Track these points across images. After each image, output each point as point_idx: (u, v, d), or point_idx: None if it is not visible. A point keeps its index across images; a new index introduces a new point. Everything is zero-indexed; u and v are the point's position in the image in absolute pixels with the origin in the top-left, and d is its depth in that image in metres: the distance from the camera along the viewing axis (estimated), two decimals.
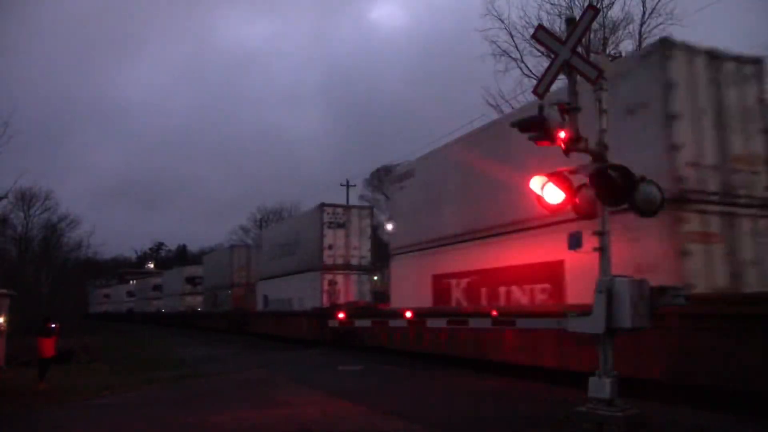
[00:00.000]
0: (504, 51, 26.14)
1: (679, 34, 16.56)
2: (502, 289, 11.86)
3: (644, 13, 23.87)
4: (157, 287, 57.56)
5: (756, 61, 9.30)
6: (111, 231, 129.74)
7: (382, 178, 65.16)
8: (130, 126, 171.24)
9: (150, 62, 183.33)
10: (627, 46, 24.41)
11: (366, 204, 47.79)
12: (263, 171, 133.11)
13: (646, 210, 6.41)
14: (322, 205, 23.75)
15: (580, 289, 8.88)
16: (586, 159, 6.73)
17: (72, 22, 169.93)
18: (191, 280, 44.97)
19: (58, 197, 65.25)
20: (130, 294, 70.85)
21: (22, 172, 64.10)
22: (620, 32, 24.69)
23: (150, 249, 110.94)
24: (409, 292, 15.22)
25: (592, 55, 20.25)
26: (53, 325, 14.87)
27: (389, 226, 22.51)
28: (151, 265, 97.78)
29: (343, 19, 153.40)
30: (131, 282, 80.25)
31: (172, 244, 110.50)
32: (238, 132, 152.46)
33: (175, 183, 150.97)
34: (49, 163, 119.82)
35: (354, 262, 23.52)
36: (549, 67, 7.05)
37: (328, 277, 22.80)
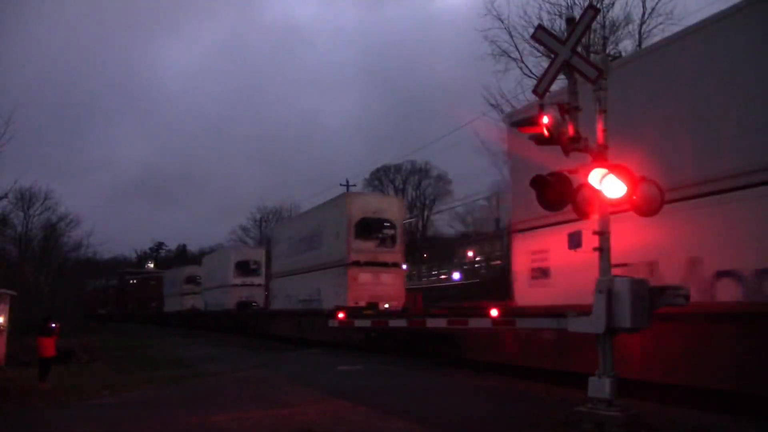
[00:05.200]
0: (504, 51, 26.14)
1: None
2: None
3: (644, 13, 23.91)
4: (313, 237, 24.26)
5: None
6: (110, 231, 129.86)
7: (382, 178, 65.25)
8: (142, 120, 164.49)
9: (179, 48, 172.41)
10: (627, 46, 24.46)
11: None
12: (272, 168, 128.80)
13: (646, 209, 6.42)
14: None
15: None
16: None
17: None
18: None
19: (60, 195, 65.58)
20: (241, 269, 33.26)
21: (21, 173, 63.78)
22: (620, 32, 24.72)
23: (150, 249, 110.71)
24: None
25: (592, 55, 20.31)
26: (53, 325, 14.86)
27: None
28: (151, 265, 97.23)
29: None
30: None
31: (172, 244, 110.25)
32: (260, 124, 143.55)
33: (178, 182, 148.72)
34: (52, 161, 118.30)
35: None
36: (549, 67, 7.06)
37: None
